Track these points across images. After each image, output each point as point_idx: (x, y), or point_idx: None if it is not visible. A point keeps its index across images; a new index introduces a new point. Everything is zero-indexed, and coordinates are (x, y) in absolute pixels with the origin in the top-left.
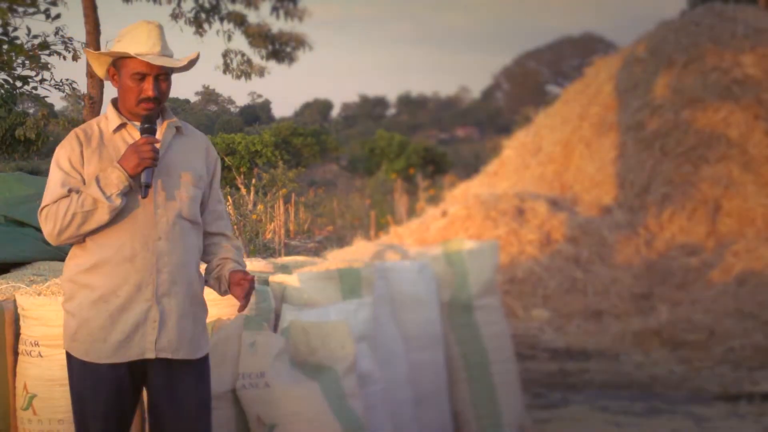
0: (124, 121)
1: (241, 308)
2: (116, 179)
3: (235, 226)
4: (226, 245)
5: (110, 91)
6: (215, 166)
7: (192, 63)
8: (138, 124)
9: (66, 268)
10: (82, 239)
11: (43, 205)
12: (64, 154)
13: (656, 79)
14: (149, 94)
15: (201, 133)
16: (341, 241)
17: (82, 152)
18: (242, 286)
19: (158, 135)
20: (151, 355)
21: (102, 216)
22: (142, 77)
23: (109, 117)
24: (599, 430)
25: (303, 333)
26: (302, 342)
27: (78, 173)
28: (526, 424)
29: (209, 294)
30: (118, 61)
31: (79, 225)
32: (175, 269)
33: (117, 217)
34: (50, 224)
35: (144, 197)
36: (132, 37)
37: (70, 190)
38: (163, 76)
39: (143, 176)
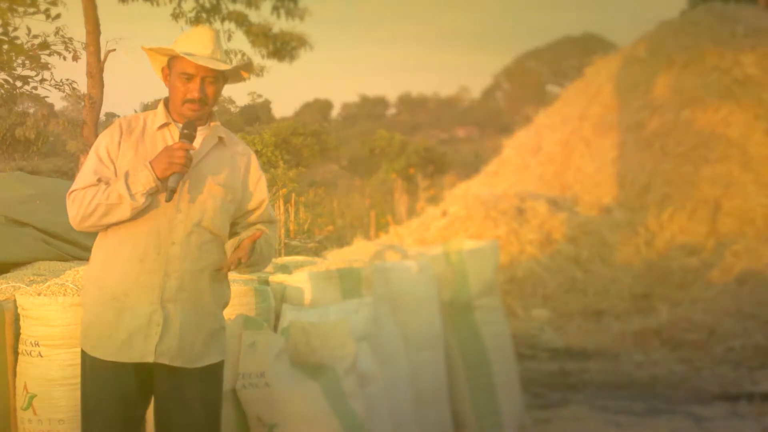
0: (169, 120)
1: (228, 264)
2: (144, 179)
3: None
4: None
5: (110, 91)
6: (257, 185)
7: (240, 69)
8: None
9: (89, 261)
10: (104, 228)
11: (72, 188)
12: (103, 142)
13: (656, 79)
14: (194, 95)
15: (248, 148)
16: (341, 241)
17: (120, 142)
18: (242, 246)
19: (198, 142)
20: (150, 359)
21: (124, 212)
22: (189, 78)
23: (158, 114)
24: (599, 430)
25: (303, 333)
26: (302, 342)
27: (112, 164)
28: (526, 424)
29: None
30: (172, 61)
31: (101, 216)
32: (184, 276)
33: (139, 214)
34: (75, 209)
35: (168, 201)
36: (185, 38)
37: (99, 180)
38: (210, 79)
39: (171, 180)
